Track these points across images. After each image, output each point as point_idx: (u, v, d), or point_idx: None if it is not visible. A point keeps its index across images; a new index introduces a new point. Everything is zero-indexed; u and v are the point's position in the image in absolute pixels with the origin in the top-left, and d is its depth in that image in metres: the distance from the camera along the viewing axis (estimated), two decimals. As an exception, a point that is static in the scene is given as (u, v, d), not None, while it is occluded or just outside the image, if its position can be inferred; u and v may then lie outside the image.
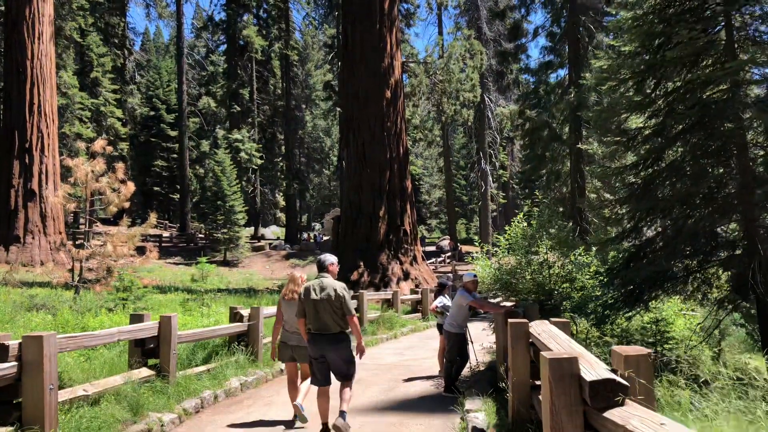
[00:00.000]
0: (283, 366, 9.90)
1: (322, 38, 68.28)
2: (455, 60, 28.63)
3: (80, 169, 14.40)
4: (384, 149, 27.12)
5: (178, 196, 58.31)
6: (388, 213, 26.84)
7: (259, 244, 47.03)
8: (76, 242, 16.09)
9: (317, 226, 69.60)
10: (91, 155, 15.13)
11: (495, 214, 61.89)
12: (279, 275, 37.57)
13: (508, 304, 9.10)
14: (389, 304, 16.70)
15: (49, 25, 36.41)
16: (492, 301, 8.97)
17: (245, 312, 9.79)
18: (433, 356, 11.95)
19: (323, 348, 6.04)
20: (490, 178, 46.73)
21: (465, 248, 56.61)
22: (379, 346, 13.48)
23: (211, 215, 42.76)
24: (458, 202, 67.93)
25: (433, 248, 53.47)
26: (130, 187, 15.23)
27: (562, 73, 28.52)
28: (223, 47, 61.84)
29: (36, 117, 34.08)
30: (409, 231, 27.47)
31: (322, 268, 6.43)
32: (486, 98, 44.80)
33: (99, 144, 15.25)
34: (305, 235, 54.54)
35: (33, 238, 31.52)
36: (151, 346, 7.56)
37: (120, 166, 15.55)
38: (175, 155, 61.19)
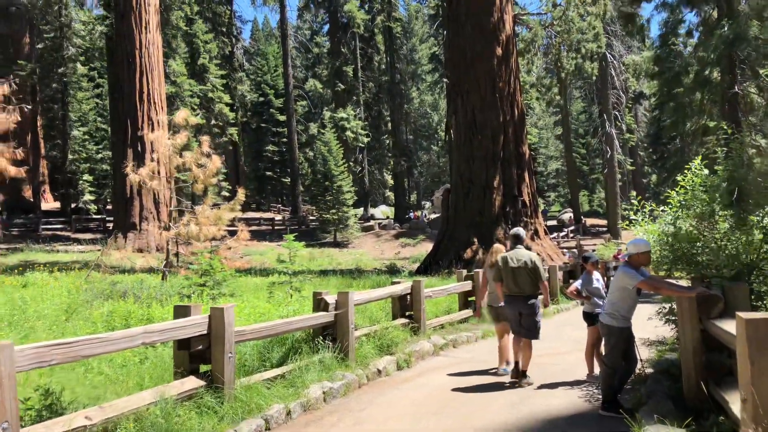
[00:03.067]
0: (380, 366, 7.91)
1: (426, 12, 65.52)
2: (574, 6, 25.18)
3: (160, 143, 13.10)
4: (496, 112, 24.39)
5: (289, 179, 58.29)
6: (503, 183, 24.15)
7: (369, 224, 45.70)
8: (168, 225, 15.00)
9: (427, 204, 67.47)
10: (174, 130, 13.83)
11: (620, 183, 56.85)
12: (388, 255, 35.92)
13: (684, 283, 6.47)
14: (510, 284, 14.28)
15: (155, 14, 36.55)
16: (671, 281, 6.34)
17: (331, 299, 7.81)
18: (572, 350, 9.46)
19: (519, 306, 7.47)
20: (617, 143, 42.29)
21: (589, 221, 52.38)
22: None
23: (320, 196, 41.85)
24: (578, 173, 63.16)
25: (553, 222, 49.74)
26: (216, 161, 13.80)
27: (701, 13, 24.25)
28: (326, 28, 60.98)
29: (146, 105, 34.26)
30: (528, 202, 24.64)
31: (518, 240, 7.67)
32: (609, 55, 40.36)
33: (181, 116, 13.92)
34: (412, 214, 52.56)
35: (148, 224, 31.71)
36: (199, 347, 5.72)
37: (205, 139, 14.15)
38: (285, 139, 61.23)
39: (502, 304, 7.88)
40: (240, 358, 6.84)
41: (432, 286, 16.52)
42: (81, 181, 45.48)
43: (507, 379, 7.74)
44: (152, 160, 13.62)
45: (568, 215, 53.81)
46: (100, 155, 47.56)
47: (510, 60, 25.10)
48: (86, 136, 47.59)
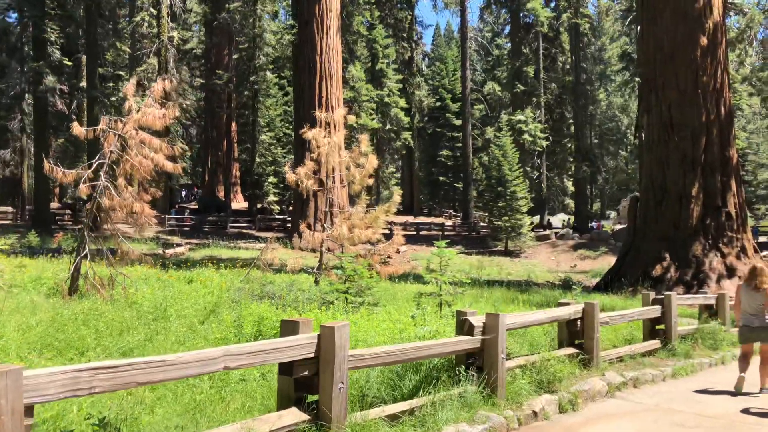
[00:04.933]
0: (537, 408, 6.40)
1: (618, 8, 60.74)
2: (804, -18, 21.12)
3: (319, 141, 12.60)
4: (698, 110, 21.17)
5: (462, 184, 57.20)
6: (703, 191, 20.89)
7: (544, 233, 43.02)
8: (323, 226, 14.59)
9: (612, 213, 62.51)
10: (326, 125, 13.29)
11: None
12: (564, 267, 33.25)
13: None
14: (710, 311, 11.71)
15: (336, 19, 37.48)
16: None
17: (478, 320, 6.44)
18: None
19: None
20: None
21: (813, 240, 44.70)
22: (696, 378, 8.92)
23: (492, 202, 40.21)
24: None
25: (765, 239, 43.12)
26: (372, 161, 13.02)
27: None
28: (507, 29, 59.06)
29: (324, 110, 35.22)
30: (734, 214, 21.07)
31: None
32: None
33: (339, 113, 13.37)
34: (594, 224, 48.63)
35: (321, 225, 32.42)
36: (305, 373, 4.69)
37: (363, 137, 13.46)
38: (459, 144, 60.27)
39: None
40: (361, 387, 5.75)
41: (612, 306, 14.35)
42: (266, 183, 48.29)
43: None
44: (312, 159, 13.27)
45: (783, 232, 46.47)
46: (285, 159, 50.24)
47: (717, 51, 21.68)
48: (273, 141, 50.53)
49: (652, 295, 10.15)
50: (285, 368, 4.62)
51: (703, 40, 21.39)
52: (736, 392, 7.84)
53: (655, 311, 9.67)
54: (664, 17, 22.05)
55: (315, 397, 4.79)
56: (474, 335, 6.36)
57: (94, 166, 9.56)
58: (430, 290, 10.02)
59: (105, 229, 9.91)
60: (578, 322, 8.19)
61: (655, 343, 9.66)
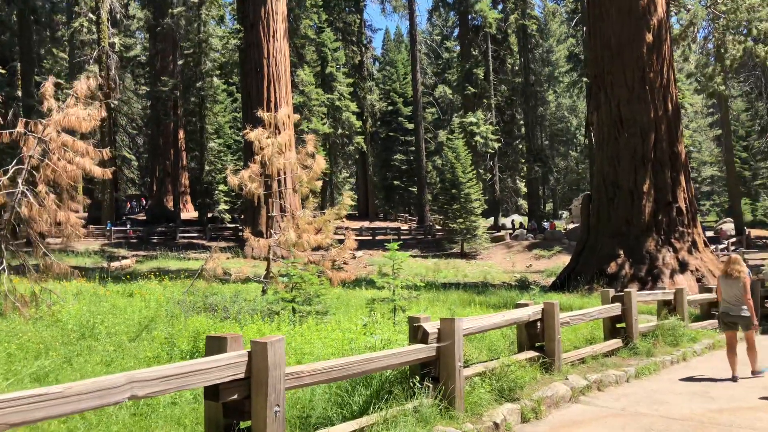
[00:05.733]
0: (498, 419, 5.91)
1: (564, 11, 61.67)
2: (744, -21, 21.50)
3: (263, 142, 11.92)
4: (646, 107, 21.28)
5: (416, 188, 57.02)
6: (654, 187, 20.97)
7: (499, 234, 43.07)
8: (269, 232, 13.86)
9: (563, 213, 63.29)
10: (274, 126, 12.64)
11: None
12: (520, 268, 33.21)
13: None
14: (669, 307, 11.50)
15: (283, 22, 36.75)
16: None
17: (432, 326, 5.93)
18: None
19: None
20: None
21: (754, 232, 46.15)
22: (660, 377, 8.62)
23: (446, 205, 39.98)
24: (739, 179, 56.18)
25: (709, 234, 44.19)
26: (320, 162, 12.42)
27: None
28: (457, 32, 59.25)
29: (272, 114, 34.44)
30: (684, 209, 21.22)
31: None
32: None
33: (282, 113, 12.74)
34: (546, 224, 48.90)
35: (277, 231, 31.62)
36: (233, 397, 4.08)
37: (310, 137, 12.85)
38: (412, 148, 60.12)
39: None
40: (304, 406, 5.16)
41: (570, 305, 14.06)
42: (216, 192, 47.03)
43: None
44: (255, 162, 12.57)
45: (727, 225, 47.76)
46: (235, 166, 49.04)
47: (662, 47, 21.88)
48: (223, 148, 49.28)
49: (612, 292, 9.85)
50: (210, 392, 4.00)
51: (649, 37, 21.54)
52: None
53: (615, 309, 9.35)
54: (610, 14, 22.15)
55: (248, 423, 4.18)
56: (428, 343, 5.84)
57: (11, 172, 8.70)
58: (383, 295, 9.48)
59: (25, 241, 9.03)
60: (538, 324, 7.78)
61: (616, 342, 9.34)
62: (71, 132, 9.83)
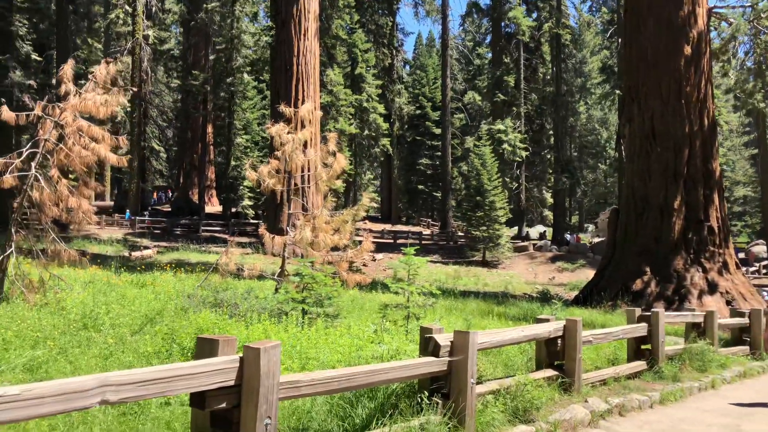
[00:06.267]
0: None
1: (599, 23, 60.70)
2: (790, -7, 20.74)
3: (283, 137, 11.66)
4: (681, 121, 20.66)
5: (441, 193, 56.53)
6: (686, 204, 20.33)
7: (522, 244, 42.40)
8: (286, 230, 13.59)
9: (590, 227, 62.25)
10: (300, 123, 12.40)
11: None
12: (542, 279, 32.58)
13: None
14: (698, 330, 10.95)
15: (314, 21, 36.62)
16: None
17: (444, 339, 5.56)
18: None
19: None
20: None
21: (787, 256, 44.74)
22: (686, 404, 8.11)
23: (470, 212, 39.49)
24: None
25: (740, 255, 43.02)
26: (341, 160, 12.10)
27: None
28: (489, 39, 58.69)
29: (294, 110, 34.29)
30: (716, 228, 20.53)
31: None
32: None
33: (305, 109, 12.47)
34: (568, 236, 48.06)
35: (295, 229, 31.46)
36: (221, 406, 3.76)
37: (332, 135, 12.57)
38: (438, 153, 59.65)
39: None
40: (300, 417, 4.83)
41: (592, 321, 13.57)
42: (241, 187, 47.08)
43: None
44: (275, 157, 12.33)
45: (759, 248, 46.45)
46: (262, 162, 49.05)
47: (701, 61, 21.22)
48: (250, 144, 49.37)
49: (638, 312, 9.36)
50: (196, 399, 3.69)
51: (687, 50, 20.92)
52: None
53: (641, 330, 8.87)
54: (648, 25, 21.58)
55: (235, 435, 3.86)
56: (440, 356, 5.47)
57: (25, 154, 8.54)
58: (398, 301, 9.13)
59: (37, 226, 8.87)
60: (558, 341, 7.35)
61: (640, 365, 8.85)
62: (91, 119, 9.68)
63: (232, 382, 3.73)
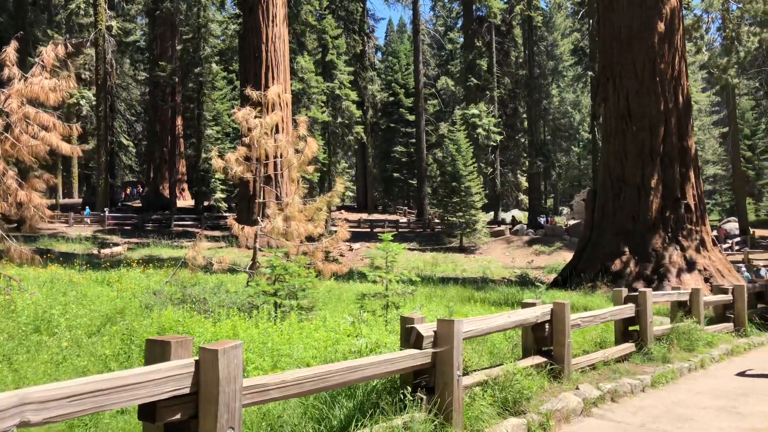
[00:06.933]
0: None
1: (570, 6, 60.55)
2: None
3: (250, 122, 11.09)
4: (656, 99, 20.48)
5: (416, 180, 56.17)
6: (662, 182, 20.20)
7: (499, 228, 42.25)
8: (256, 219, 13.05)
9: (564, 209, 62.48)
10: (270, 107, 11.82)
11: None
12: (520, 263, 32.44)
13: None
14: (684, 308, 10.70)
15: (282, 7, 35.78)
16: None
17: (427, 329, 5.12)
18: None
19: None
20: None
21: (758, 232, 45.36)
22: (678, 386, 7.82)
23: (446, 198, 39.17)
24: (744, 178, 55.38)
25: (714, 233, 43.44)
26: (312, 145, 11.59)
27: None
28: (461, 23, 58.22)
29: (261, 93, 33.54)
30: (693, 206, 20.45)
31: None
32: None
33: (273, 92, 11.90)
34: (542, 220, 47.98)
35: (267, 219, 30.81)
36: (176, 417, 3.27)
37: (302, 119, 12.03)
38: (413, 140, 59.23)
39: None
40: (272, 422, 4.36)
41: (573, 303, 13.24)
42: (213, 180, 46.16)
43: None
44: (243, 144, 11.77)
45: (729, 225, 47.02)
46: (231, 151, 48.11)
47: (674, 37, 21.04)
48: (221, 135, 48.38)
49: (625, 292, 9.03)
50: (146, 411, 3.18)
51: (661, 26, 20.71)
52: None
53: (629, 311, 8.55)
54: (621, 3, 21.32)
55: (196, 447, 3.38)
56: (423, 348, 5.03)
57: (-34, 146, 7.89)
58: (375, 291, 8.67)
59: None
60: (546, 326, 6.97)
61: (629, 347, 8.54)
62: (43, 107, 9.02)
63: (187, 390, 3.24)
